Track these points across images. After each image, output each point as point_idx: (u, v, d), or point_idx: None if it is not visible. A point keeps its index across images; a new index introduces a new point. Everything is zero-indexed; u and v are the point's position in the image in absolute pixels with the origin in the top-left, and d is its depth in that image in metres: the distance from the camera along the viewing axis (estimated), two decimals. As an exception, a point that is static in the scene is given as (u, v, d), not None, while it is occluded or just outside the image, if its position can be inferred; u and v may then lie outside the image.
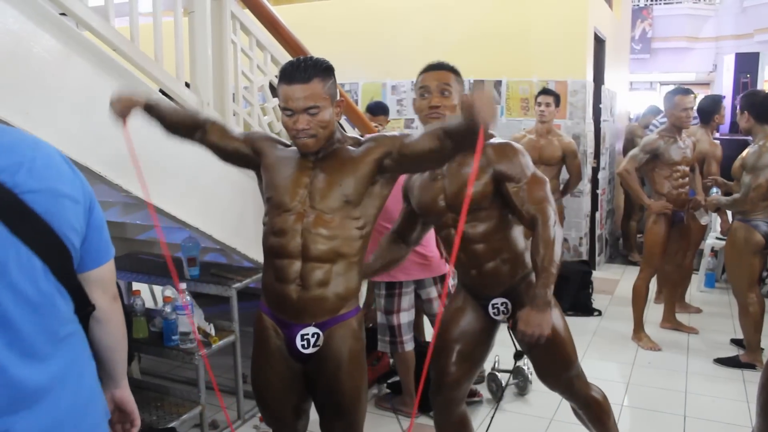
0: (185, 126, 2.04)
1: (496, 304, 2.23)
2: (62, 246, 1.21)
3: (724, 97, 7.03)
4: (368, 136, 1.96)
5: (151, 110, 2.00)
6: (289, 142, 2.00)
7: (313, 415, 2.04)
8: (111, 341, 1.38)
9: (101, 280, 1.33)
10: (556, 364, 2.24)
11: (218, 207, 2.91)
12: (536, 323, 1.94)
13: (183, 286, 2.85)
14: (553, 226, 2.03)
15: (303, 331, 1.87)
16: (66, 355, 1.24)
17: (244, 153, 2.02)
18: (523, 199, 2.05)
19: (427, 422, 2.96)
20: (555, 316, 2.22)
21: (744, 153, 3.76)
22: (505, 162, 2.07)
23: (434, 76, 2.10)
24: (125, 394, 1.46)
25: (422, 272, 3.11)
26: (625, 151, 6.83)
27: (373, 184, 1.87)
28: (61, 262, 1.21)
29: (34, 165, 1.19)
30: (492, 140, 2.11)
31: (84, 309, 1.29)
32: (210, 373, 2.09)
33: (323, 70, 1.81)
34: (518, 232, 2.22)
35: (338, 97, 1.87)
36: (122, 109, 1.93)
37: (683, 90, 4.00)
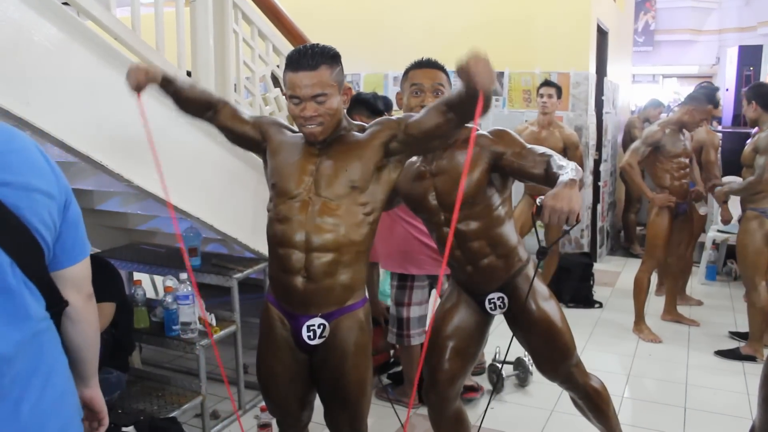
0: (198, 103, 2.01)
1: (493, 299, 2.22)
2: (33, 241, 1.16)
3: (727, 89, 7.01)
4: (373, 121, 1.95)
5: (168, 85, 1.92)
6: (296, 129, 1.99)
7: (318, 404, 2.05)
8: (82, 340, 1.34)
9: (76, 279, 1.29)
10: (555, 354, 2.24)
11: (219, 197, 2.90)
12: (566, 197, 1.65)
13: (184, 276, 2.86)
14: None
15: (309, 322, 1.86)
16: (33, 354, 1.18)
17: (252, 137, 2.01)
18: (527, 158, 1.98)
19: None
20: (552, 306, 2.23)
21: (755, 138, 3.81)
22: (500, 143, 2.05)
23: (428, 75, 2.08)
24: (95, 393, 1.43)
25: (436, 268, 3.04)
26: (624, 144, 6.82)
27: (381, 168, 1.85)
28: (31, 257, 1.17)
29: (8, 158, 1.16)
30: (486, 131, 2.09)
31: (56, 306, 1.24)
32: (218, 359, 2.04)
33: (330, 57, 1.79)
34: (511, 227, 2.20)
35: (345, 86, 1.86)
36: (139, 80, 1.84)
37: (717, 101, 4.01)
